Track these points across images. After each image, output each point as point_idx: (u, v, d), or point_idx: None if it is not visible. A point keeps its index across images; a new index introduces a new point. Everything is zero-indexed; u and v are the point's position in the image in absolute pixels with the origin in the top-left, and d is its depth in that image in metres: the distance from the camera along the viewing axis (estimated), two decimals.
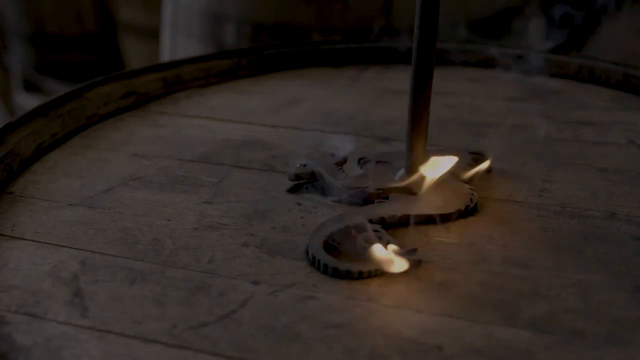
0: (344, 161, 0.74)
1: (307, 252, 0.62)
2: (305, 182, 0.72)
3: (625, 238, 0.64)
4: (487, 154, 0.74)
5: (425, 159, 0.69)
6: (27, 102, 2.19)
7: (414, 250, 0.61)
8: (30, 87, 2.33)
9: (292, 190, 0.72)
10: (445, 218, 0.66)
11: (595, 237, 0.64)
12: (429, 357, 0.52)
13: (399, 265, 0.59)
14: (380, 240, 0.61)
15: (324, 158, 0.74)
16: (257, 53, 1.00)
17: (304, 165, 0.72)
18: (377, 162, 0.73)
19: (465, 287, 0.58)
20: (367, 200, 0.68)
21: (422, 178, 0.68)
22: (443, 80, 0.91)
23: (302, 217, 0.67)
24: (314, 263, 0.60)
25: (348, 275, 0.59)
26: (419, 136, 0.68)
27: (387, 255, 0.60)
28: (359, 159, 0.75)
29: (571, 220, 0.67)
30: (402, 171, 0.70)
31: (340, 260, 0.60)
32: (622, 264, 0.61)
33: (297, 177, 0.72)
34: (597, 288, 0.58)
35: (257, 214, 0.68)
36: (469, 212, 0.67)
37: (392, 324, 0.55)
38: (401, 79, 0.98)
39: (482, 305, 0.56)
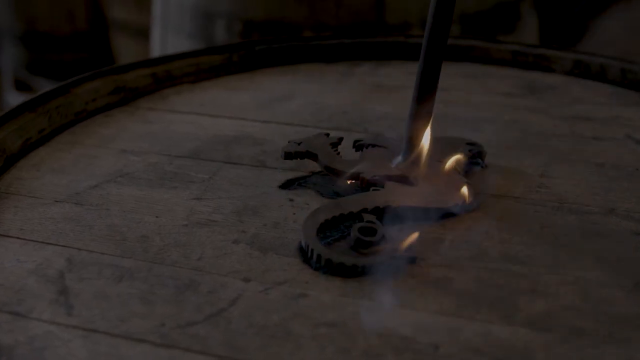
0: (339, 141, 0.72)
1: (300, 245, 0.60)
2: (300, 157, 0.70)
3: (624, 234, 0.63)
4: (482, 145, 0.73)
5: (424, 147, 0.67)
6: (18, 101, 2.18)
7: (408, 248, 0.59)
8: (22, 86, 2.32)
9: (284, 186, 0.70)
10: (442, 213, 0.65)
11: (594, 233, 0.63)
12: (425, 356, 0.50)
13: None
14: (375, 231, 0.60)
15: (318, 137, 0.72)
16: (249, 48, 0.99)
17: (299, 144, 0.71)
18: (374, 145, 0.71)
19: (461, 285, 0.57)
20: (362, 188, 0.67)
21: (421, 167, 0.67)
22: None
23: (294, 214, 0.66)
24: (306, 252, 0.59)
25: (341, 267, 0.57)
26: (421, 125, 0.66)
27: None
28: (355, 142, 0.73)
29: (569, 216, 0.65)
30: (399, 158, 0.68)
31: (333, 251, 0.59)
32: (621, 260, 0.59)
33: (291, 155, 0.70)
34: (596, 285, 0.57)
35: (248, 210, 0.66)
36: (466, 207, 0.66)
37: (386, 322, 0.53)
38: (394, 74, 0.97)
39: (479, 303, 0.55)
